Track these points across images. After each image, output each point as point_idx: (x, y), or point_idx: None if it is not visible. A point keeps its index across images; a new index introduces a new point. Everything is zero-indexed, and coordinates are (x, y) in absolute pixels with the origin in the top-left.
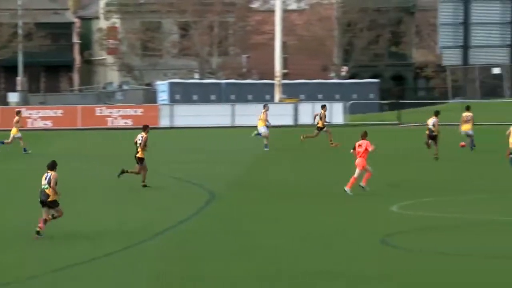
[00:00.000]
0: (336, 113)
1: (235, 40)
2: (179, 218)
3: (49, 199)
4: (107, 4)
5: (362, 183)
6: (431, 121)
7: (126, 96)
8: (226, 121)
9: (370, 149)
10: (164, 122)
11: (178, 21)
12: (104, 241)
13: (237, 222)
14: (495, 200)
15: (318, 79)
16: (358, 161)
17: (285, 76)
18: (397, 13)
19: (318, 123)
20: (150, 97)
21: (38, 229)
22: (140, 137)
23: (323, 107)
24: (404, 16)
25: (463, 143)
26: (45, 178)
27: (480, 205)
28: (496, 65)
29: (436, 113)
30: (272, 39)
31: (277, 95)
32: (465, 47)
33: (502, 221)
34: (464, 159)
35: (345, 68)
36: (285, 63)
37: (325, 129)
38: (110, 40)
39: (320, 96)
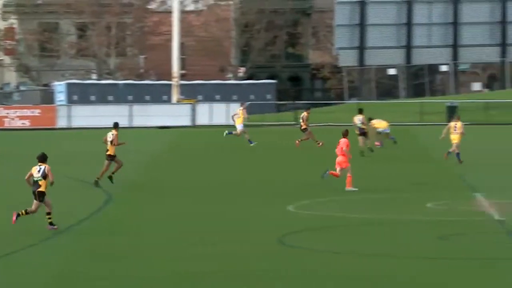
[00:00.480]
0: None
1: (132, 41)
2: (75, 219)
3: (40, 190)
4: (4, 5)
5: (347, 187)
6: (357, 118)
7: (23, 97)
8: (123, 122)
9: (344, 147)
10: (61, 122)
11: (76, 22)
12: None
13: (126, 222)
14: (390, 200)
15: (215, 80)
16: (339, 159)
17: (182, 76)
18: (294, 15)
19: (301, 125)
20: (48, 98)
21: (20, 213)
22: (110, 134)
23: (308, 109)
24: (300, 17)
25: (377, 143)
26: (38, 171)
27: (375, 204)
28: (392, 66)
29: (360, 111)
30: (170, 40)
31: (175, 96)
32: (361, 48)
33: (394, 220)
34: (370, 159)
35: (242, 69)
36: (183, 63)
37: (306, 131)
38: (7, 41)
39: (217, 97)
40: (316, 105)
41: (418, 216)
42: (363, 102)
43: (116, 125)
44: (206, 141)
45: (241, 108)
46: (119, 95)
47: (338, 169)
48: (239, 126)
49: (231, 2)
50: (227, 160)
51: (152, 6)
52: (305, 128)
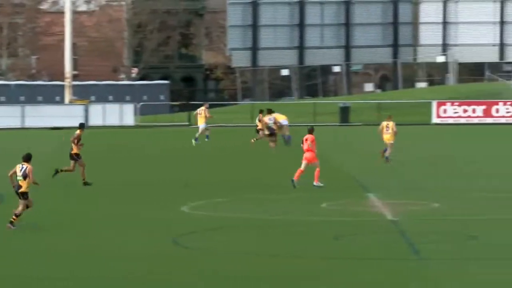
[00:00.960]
0: (127, 114)
1: (24, 41)
2: None
3: (21, 190)
4: None
5: (315, 182)
6: (268, 118)
7: None
8: (16, 123)
9: (310, 143)
10: None
11: None
12: None
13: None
14: (285, 200)
15: (108, 80)
16: (306, 154)
17: (75, 77)
18: (186, 15)
19: (257, 125)
20: None
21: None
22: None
23: (270, 111)
24: (193, 18)
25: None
26: (20, 170)
27: (271, 205)
28: (285, 67)
29: (270, 111)
30: (62, 40)
31: (67, 96)
32: (254, 49)
33: (289, 220)
34: (266, 157)
35: (135, 70)
36: (76, 64)
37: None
38: None
39: (110, 97)
40: (209, 106)
41: (313, 216)
42: (256, 103)
43: (81, 126)
44: (99, 142)
45: (203, 108)
46: (11, 96)
47: (303, 163)
48: (201, 125)
49: (123, 3)
50: (121, 161)
51: (44, 6)
52: (261, 128)
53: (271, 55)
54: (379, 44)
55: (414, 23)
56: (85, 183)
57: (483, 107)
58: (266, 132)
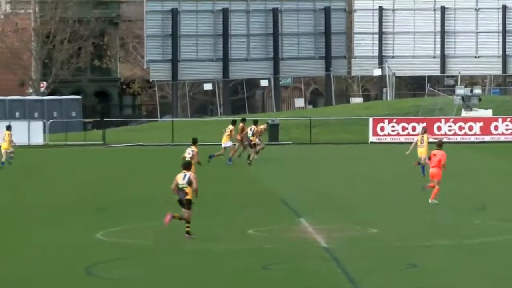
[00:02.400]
0: (35, 132)
1: None
2: None
3: (187, 198)
4: None
5: (430, 199)
6: (249, 129)
7: None
8: None
9: (443, 161)
10: None
11: None
12: None
13: None
14: (208, 226)
15: (15, 95)
16: (432, 170)
17: None
18: (100, 24)
19: (251, 140)
20: None
21: None
22: (190, 151)
23: (256, 122)
24: (107, 27)
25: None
26: (183, 178)
27: (194, 231)
28: (208, 81)
29: (255, 122)
30: None
31: None
32: (174, 61)
33: (213, 248)
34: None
35: (44, 84)
36: None
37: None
38: None
39: (17, 114)
40: (125, 123)
41: (239, 244)
42: (177, 120)
43: (195, 141)
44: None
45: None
46: None
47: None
48: (227, 144)
49: (30, 11)
50: (34, 181)
51: None
52: (254, 144)
53: (193, 68)
54: (310, 56)
55: (348, 33)
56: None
57: (423, 124)
58: (245, 143)
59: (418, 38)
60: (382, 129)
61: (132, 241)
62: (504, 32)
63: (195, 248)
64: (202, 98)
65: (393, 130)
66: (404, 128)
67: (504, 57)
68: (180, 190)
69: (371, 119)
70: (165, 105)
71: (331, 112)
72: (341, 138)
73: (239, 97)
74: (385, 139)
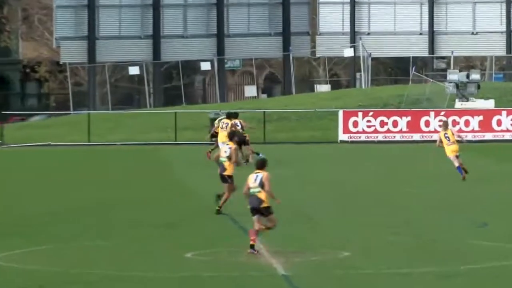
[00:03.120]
0: None
1: None
2: None
3: (264, 205)
4: None
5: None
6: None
7: None
8: None
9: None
10: None
11: None
12: None
13: None
14: (135, 249)
15: None
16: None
17: None
18: None
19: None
20: None
21: None
22: (227, 148)
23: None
24: None
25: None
26: (255, 180)
27: (117, 255)
28: (135, 63)
29: (236, 115)
30: None
31: None
32: (91, 39)
33: (142, 277)
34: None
35: None
36: None
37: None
38: None
39: None
40: (28, 117)
41: (173, 271)
42: (94, 113)
43: (232, 135)
44: None
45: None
46: None
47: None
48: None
49: None
50: None
51: None
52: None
53: (115, 47)
54: (264, 32)
55: (312, 4)
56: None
57: (408, 118)
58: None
59: (401, 10)
60: (355, 124)
61: (33, 267)
62: (509, 2)
63: (112, 275)
64: (127, 85)
65: (369, 126)
66: (383, 123)
67: (509, 33)
68: (251, 195)
69: (341, 112)
70: (79, 95)
71: (291, 103)
72: (303, 136)
73: (174, 85)
74: (359, 137)
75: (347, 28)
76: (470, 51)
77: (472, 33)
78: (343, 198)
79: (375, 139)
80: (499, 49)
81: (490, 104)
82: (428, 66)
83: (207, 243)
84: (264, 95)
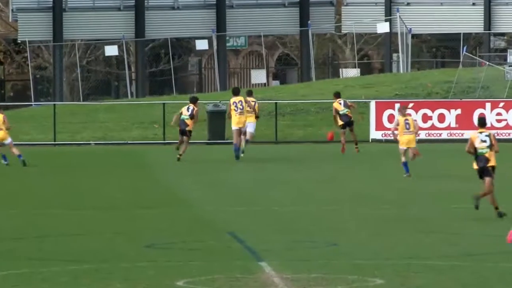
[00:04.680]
0: None
1: None
2: None
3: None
4: None
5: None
6: (187, 108)
7: None
8: None
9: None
10: None
11: None
12: None
13: None
14: (110, 275)
15: None
16: None
17: None
18: None
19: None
20: None
21: None
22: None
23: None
24: None
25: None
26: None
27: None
28: (110, 42)
29: (194, 100)
30: None
31: None
32: (57, 11)
33: None
34: None
35: None
36: None
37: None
38: None
39: None
40: None
41: None
42: (61, 105)
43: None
44: None
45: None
46: None
47: None
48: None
49: None
50: None
51: None
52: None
53: (87, 22)
54: (276, 2)
55: None
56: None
57: (457, 111)
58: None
59: None
60: (391, 119)
61: None
62: None
63: None
64: (103, 70)
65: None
66: (426, 118)
67: None
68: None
69: (373, 104)
70: (42, 81)
71: (310, 92)
72: (325, 133)
73: (162, 69)
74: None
75: None
76: None
77: None
78: (376, 212)
79: (418, 138)
80: None
81: None
82: (484, 46)
83: (203, 268)
84: (276, 82)
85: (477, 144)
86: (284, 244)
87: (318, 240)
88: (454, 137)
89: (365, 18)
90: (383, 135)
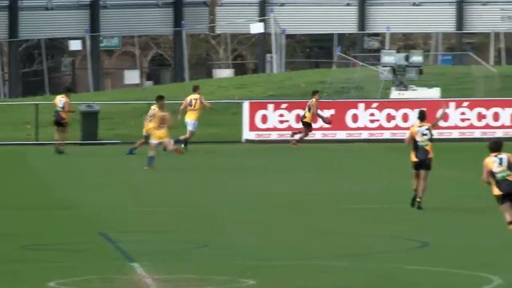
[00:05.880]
0: None
1: None
2: None
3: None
4: None
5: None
6: (60, 100)
7: None
8: None
9: None
10: None
11: None
12: None
13: None
14: None
15: None
16: None
17: None
18: None
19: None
20: None
21: None
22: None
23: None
24: None
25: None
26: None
27: None
28: None
29: (67, 91)
30: None
31: None
32: None
33: None
34: None
35: None
36: None
37: None
38: None
39: None
40: None
41: None
42: None
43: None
44: None
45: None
46: None
47: None
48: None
49: None
50: None
51: None
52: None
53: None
54: (149, 3)
55: None
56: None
57: (331, 111)
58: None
59: None
60: (264, 119)
61: None
62: None
63: None
64: None
65: (281, 122)
66: (299, 118)
67: (460, 4)
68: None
69: (246, 104)
70: None
71: (183, 92)
72: (200, 133)
73: (35, 69)
74: (269, 135)
75: None
76: (410, 27)
77: (414, 4)
78: (253, 213)
79: (290, 139)
80: (447, 25)
81: (435, 93)
82: (358, 46)
83: (76, 269)
84: (150, 82)
85: (418, 137)
86: (156, 245)
87: (191, 241)
88: (328, 138)
89: (239, 19)
90: (257, 135)
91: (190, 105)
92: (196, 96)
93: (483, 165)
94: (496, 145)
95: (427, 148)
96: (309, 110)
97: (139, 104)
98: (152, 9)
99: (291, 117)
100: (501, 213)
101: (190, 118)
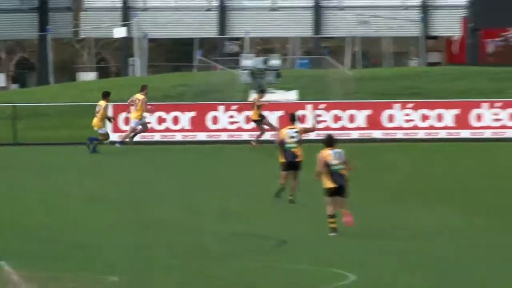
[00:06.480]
0: None
1: None
2: None
3: None
4: None
5: None
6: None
7: None
8: None
9: None
10: None
11: None
12: None
13: None
14: None
15: None
16: None
17: None
18: None
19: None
20: None
21: None
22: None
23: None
24: None
25: None
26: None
27: None
28: None
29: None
30: None
31: None
32: None
33: None
34: None
35: None
36: None
37: None
38: None
39: None
40: None
41: None
42: None
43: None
44: None
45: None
46: None
47: None
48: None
49: None
50: None
51: None
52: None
53: None
54: (15, 8)
55: None
56: None
57: (191, 113)
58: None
59: None
60: (127, 121)
61: None
62: None
63: None
64: None
65: (162, 123)
66: (161, 120)
67: (317, 9)
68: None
69: (110, 106)
70: None
71: (47, 95)
72: (65, 135)
73: None
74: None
75: (119, 3)
76: (268, 32)
77: (272, 9)
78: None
79: (152, 139)
80: (305, 29)
81: (292, 96)
82: (218, 50)
83: None
84: (15, 85)
85: (287, 139)
86: (23, 243)
87: (62, 240)
88: (188, 139)
89: (102, 23)
90: (119, 137)
91: (134, 104)
92: (140, 96)
93: (318, 158)
94: (330, 140)
95: (295, 150)
96: (255, 108)
97: (5, 107)
98: (17, 14)
99: (153, 119)
100: (325, 204)
101: (133, 117)
